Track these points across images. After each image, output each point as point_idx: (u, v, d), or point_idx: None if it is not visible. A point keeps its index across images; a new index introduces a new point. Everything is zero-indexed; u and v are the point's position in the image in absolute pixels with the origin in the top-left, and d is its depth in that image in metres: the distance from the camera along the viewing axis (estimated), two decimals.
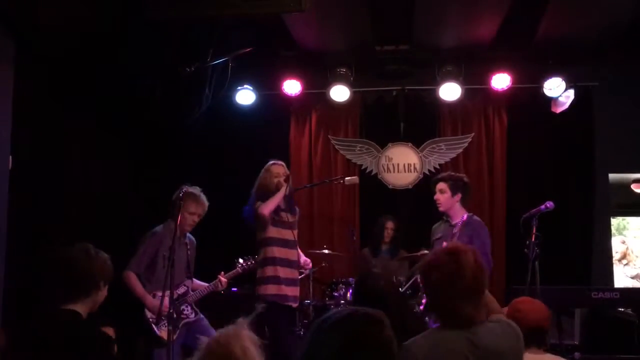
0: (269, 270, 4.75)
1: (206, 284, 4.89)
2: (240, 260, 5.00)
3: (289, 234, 4.83)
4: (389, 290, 3.01)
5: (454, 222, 4.90)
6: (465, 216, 4.81)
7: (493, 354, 2.20)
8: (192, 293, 4.79)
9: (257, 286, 4.78)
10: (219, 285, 4.88)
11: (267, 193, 4.80)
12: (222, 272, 4.91)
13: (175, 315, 4.47)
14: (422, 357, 2.18)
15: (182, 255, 4.70)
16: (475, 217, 4.97)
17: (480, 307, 2.27)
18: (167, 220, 4.69)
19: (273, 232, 4.79)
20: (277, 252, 4.78)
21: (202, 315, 4.82)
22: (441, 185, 4.95)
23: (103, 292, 2.73)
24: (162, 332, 4.46)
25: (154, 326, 4.52)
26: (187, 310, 4.73)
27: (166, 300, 4.27)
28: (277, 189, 4.79)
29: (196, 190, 4.71)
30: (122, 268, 4.51)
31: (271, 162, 4.96)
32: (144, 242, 4.65)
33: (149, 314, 4.54)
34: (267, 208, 4.70)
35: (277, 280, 4.73)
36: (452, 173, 5.32)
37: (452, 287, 2.21)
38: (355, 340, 1.76)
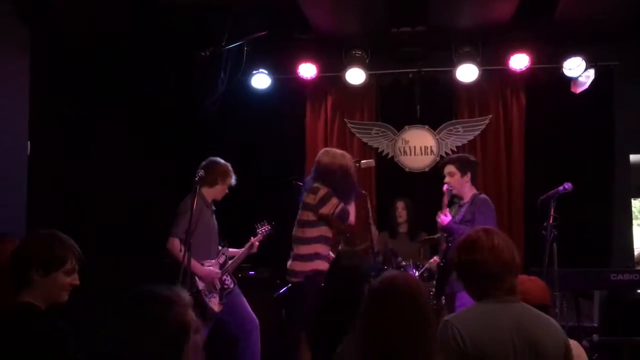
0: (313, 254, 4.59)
1: (240, 250, 4.91)
2: (258, 226, 5.03)
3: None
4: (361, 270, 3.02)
5: (462, 203, 4.88)
6: (470, 195, 4.78)
7: (533, 333, 2.25)
8: (229, 262, 4.82)
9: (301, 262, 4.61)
10: (252, 249, 4.93)
11: (344, 188, 4.60)
12: (252, 237, 4.95)
13: (219, 286, 4.58)
14: (466, 333, 2.20)
15: (215, 223, 4.78)
16: (481, 195, 4.90)
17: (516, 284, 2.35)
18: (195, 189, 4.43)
19: (323, 230, 4.61)
20: (319, 249, 4.60)
21: (237, 285, 4.85)
22: (450, 168, 4.89)
23: (51, 279, 2.37)
24: (213, 303, 4.52)
25: (204, 297, 4.48)
26: (228, 281, 4.76)
27: (215, 268, 4.57)
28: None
29: (226, 164, 4.77)
30: (139, 262, 4.54)
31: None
32: (180, 210, 4.55)
33: (201, 285, 4.47)
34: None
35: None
36: (458, 154, 5.33)
37: (495, 260, 2.29)
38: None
